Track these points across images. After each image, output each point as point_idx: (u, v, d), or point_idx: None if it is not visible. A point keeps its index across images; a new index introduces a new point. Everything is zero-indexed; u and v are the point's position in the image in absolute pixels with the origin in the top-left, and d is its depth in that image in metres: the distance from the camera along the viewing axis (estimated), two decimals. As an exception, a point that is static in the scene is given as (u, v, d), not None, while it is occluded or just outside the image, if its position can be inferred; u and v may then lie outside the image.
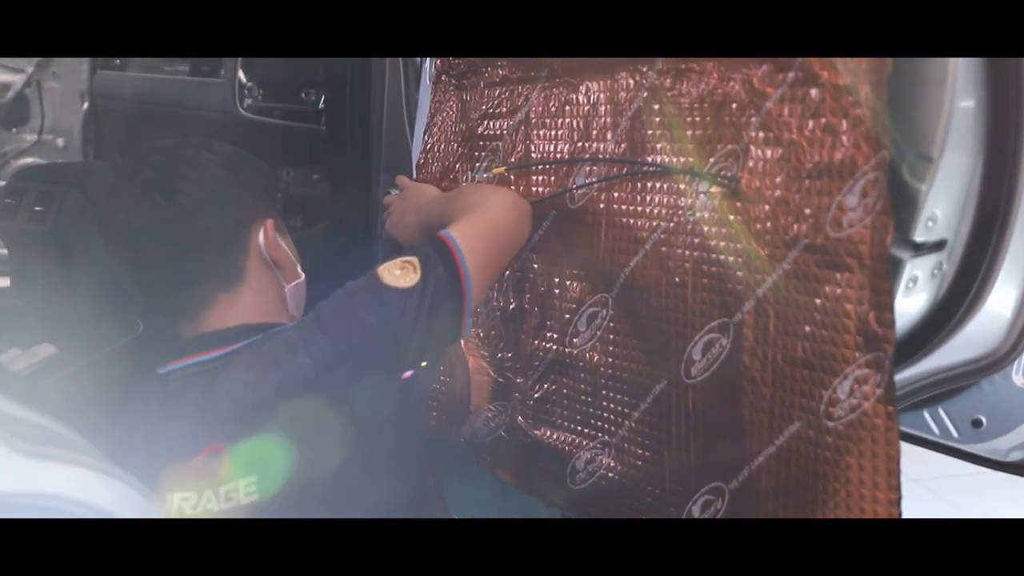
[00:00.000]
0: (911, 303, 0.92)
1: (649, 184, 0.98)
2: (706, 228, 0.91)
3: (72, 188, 1.54)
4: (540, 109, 1.13)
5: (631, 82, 1.00)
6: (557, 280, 1.14)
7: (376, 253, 1.53)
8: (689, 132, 0.93)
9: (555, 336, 1.15)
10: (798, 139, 0.81)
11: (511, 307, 1.21)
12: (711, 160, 0.90)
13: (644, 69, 0.98)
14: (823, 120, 0.78)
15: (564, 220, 1.10)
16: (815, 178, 0.79)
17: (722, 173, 0.89)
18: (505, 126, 1.19)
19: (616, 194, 1.02)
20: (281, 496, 0.88)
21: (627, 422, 1.07)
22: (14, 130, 2.50)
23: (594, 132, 1.05)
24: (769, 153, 0.84)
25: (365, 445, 0.91)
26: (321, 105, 2.06)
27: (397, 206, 1.26)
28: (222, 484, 0.88)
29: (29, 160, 2.49)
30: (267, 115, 2.12)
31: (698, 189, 0.92)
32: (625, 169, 1.01)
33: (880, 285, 0.75)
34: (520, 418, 1.22)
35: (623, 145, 1.02)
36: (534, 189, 1.13)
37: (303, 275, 1.05)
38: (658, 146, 0.97)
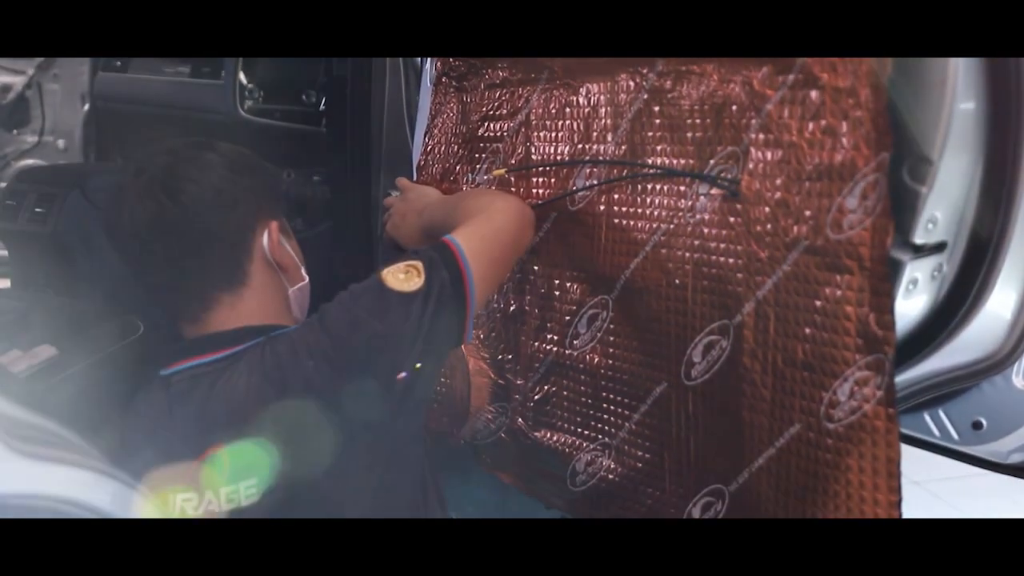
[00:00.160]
0: (911, 305, 0.93)
1: (649, 186, 0.99)
2: (706, 230, 0.91)
3: (73, 190, 1.54)
4: (540, 111, 1.13)
5: (631, 84, 1.00)
6: (557, 282, 1.14)
7: (376, 255, 1.54)
8: (689, 134, 0.93)
9: (555, 338, 1.15)
10: (798, 141, 0.81)
11: (511, 309, 1.21)
12: (711, 162, 0.90)
13: (644, 71, 0.98)
14: (823, 122, 0.78)
15: (564, 222, 1.10)
16: (815, 180, 0.79)
17: (722, 175, 0.89)
18: (505, 128, 1.19)
19: (616, 196, 1.02)
20: (282, 498, 0.88)
21: (627, 424, 1.07)
22: (15, 132, 2.49)
23: (594, 134, 1.06)
24: (769, 155, 0.84)
25: (366, 447, 0.91)
26: (322, 107, 2.06)
27: (398, 208, 1.26)
28: (223, 486, 0.88)
29: (30, 162, 2.48)
30: (268, 117, 2.12)
31: (698, 191, 0.92)
32: (625, 171, 1.01)
33: (880, 287, 0.75)
34: (520, 420, 1.22)
35: (623, 147, 1.02)
36: (534, 191, 1.13)
37: (307, 278, 1.04)
38: (658, 148, 0.97)
